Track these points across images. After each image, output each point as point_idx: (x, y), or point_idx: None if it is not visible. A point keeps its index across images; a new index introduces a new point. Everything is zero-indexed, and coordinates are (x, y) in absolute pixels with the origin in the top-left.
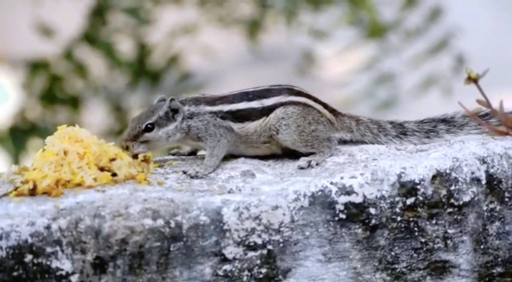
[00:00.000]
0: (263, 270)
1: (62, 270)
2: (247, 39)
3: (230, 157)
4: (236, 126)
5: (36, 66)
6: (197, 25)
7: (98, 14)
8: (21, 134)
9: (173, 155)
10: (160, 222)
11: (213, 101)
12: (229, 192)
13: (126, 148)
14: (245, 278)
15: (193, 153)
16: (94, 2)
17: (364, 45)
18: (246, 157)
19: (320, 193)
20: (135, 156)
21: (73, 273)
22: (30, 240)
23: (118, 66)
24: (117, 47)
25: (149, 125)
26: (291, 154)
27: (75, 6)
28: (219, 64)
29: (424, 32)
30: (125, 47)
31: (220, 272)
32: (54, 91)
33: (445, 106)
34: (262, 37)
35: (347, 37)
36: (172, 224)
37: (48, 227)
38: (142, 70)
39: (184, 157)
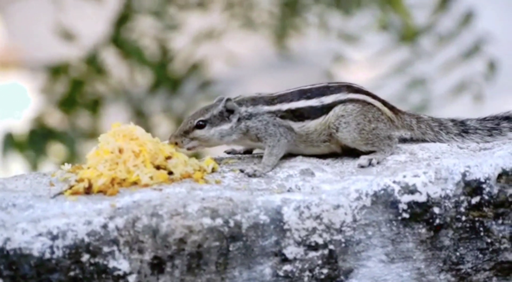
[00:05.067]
0: (325, 271)
1: (119, 270)
2: (274, 44)
3: (288, 155)
4: (296, 125)
5: (57, 71)
6: (222, 30)
7: (124, 17)
8: (39, 140)
9: (228, 153)
10: (219, 221)
11: (271, 100)
12: (288, 191)
13: (175, 144)
14: (306, 279)
15: (248, 152)
16: (120, 6)
17: (396, 49)
18: (304, 155)
19: (382, 191)
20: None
21: (130, 273)
22: (86, 239)
23: (146, 68)
24: (143, 50)
25: (200, 122)
26: (350, 153)
27: (98, 11)
28: (244, 69)
29: (456, 37)
30: (148, 52)
31: (281, 273)
32: (74, 96)
33: (478, 111)
34: (289, 41)
35: (378, 42)
36: (231, 223)
37: (105, 226)
38: (164, 76)
39: (240, 156)
